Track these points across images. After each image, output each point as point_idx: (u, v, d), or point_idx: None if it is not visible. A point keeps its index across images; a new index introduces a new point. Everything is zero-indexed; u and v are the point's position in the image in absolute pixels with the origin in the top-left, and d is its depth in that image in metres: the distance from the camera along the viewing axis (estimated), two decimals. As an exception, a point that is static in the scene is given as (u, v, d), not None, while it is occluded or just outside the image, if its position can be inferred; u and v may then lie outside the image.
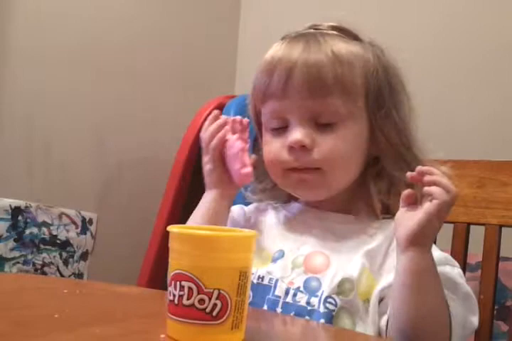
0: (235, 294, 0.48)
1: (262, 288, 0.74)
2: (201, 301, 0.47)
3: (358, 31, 0.81)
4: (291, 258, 0.76)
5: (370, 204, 0.78)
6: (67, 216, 1.46)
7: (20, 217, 1.34)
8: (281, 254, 0.77)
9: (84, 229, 1.49)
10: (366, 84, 0.77)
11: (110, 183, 1.59)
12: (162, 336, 0.48)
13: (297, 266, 0.75)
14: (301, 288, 0.73)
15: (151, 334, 0.50)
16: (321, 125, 0.76)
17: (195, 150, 1.46)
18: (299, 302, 0.72)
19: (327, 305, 0.71)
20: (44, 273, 1.38)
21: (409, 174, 0.67)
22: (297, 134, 0.75)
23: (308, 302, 0.72)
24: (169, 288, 0.49)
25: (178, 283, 0.48)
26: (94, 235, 1.52)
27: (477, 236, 0.95)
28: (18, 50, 1.38)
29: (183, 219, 0.85)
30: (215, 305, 0.47)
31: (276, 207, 0.86)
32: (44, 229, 1.39)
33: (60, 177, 1.46)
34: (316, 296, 0.72)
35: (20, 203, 1.35)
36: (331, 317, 0.70)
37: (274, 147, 0.78)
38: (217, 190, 0.82)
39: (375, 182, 0.78)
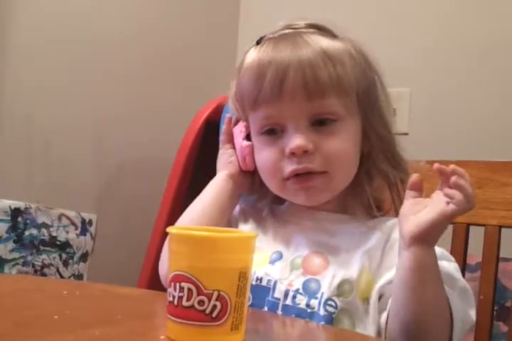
0: (235, 295, 0.48)
1: (260, 290, 0.74)
2: (201, 302, 0.47)
3: (337, 28, 0.79)
4: (289, 259, 0.76)
5: (365, 202, 0.78)
6: (67, 217, 1.45)
7: (19, 218, 1.34)
8: (279, 256, 0.77)
9: (84, 230, 1.49)
10: (356, 80, 0.76)
11: (110, 184, 1.59)
12: (162, 337, 0.48)
13: (295, 267, 0.75)
14: (301, 290, 0.72)
15: (150, 336, 0.50)
16: (320, 127, 0.74)
17: (195, 151, 1.46)
18: (298, 304, 0.72)
19: (327, 307, 0.70)
20: (44, 275, 1.38)
21: (437, 165, 0.64)
22: (298, 139, 0.72)
23: (308, 305, 0.71)
24: (169, 290, 0.49)
25: (177, 284, 0.47)
26: (94, 236, 1.52)
27: (477, 236, 0.95)
28: (18, 50, 1.38)
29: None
30: (214, 306, 0.47)
31: (272, 207, 0.85)
32: (44, 231, 1.39)
33: (59, 178, 1.46)
34: (316, 298, 0.71)
35: (20, 204, 1.35)
36: (331, 320, 0.70)
37: (269, 155, 0.76)
38: (223, 171, 0.83)
39: (368, 178, 0.78)
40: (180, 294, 0.47)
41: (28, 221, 1.36)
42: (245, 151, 0.81)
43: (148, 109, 1.67)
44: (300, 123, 0.74)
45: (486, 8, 1.49)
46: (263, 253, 0.77)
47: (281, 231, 0.80)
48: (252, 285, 0.73)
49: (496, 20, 1.47)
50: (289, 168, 0.74)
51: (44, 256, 1.39)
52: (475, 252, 0.96)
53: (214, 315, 0.47)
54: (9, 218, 1.32)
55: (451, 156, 1.06)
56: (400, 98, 1.54)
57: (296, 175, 0.74)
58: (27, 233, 1.36)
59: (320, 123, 0.74)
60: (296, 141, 0.72)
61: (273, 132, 0.76)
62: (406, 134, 1.52)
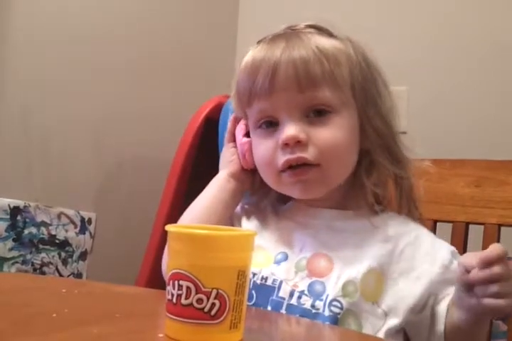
0: (234, 293, 0.48)
1: (265, 289, 0.74)
2: (199, 300, 0.47)
3: (335, 29, 0.80)
4: (295, 261, 0.76)
5: (366, 197, 0.78)
6: (66, 216, 1.45)
7: (19, 217, 1.34)
8: (285, 257, 0.76)
9: (83, 229, 1.49)
10: (352, 76, 0.76)
11: (109, 183, 1.58)
12: (160, 335, 0.48)
13: (300, 269, 0.75)
14: (306, 292, 0.72)
15: (149, 334, 0.50)
16: (313, 119, 0.74)
17: (194, 150, 1.46)
18: (303, 304, 0.72)
19: (332, 308, 0.70)
20: (43, 273, 1.38)
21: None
22: (290, 130, 0.73)
23: (313, 305, 0.71)
24: (167, 288, 0.49)
25: (176, 282, 0.48)
26: (93, 235, 1.52)
27: (476, 235, 0.95)
28: (17, 49, 1.37)
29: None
30: (213, 304, 0.47)
31: (275, 206, 0.85)
32: (43, 229, 1.39)
33: (58, 176, 1.46)
34: (321, 300, 0.71)
35: (19, 203, 1.35)
36: (336, 320, 0.70)
37: (265, 148, 0.76)
38: (224, 169, 0.84)
39: (367, 175, 0.78)
40: (179, 292, 0.47)
41: (27, 219, 1.36)
42: (244, 148, 0.81)
43: (147, 107, 1.67)
44: (293, 115, 0.74)
45: (485, 6, 1.49)
46: (267, 252, 0.78)
47: (285, 231, 0.80)
48: (256, 284, 0.73)
49: (494, 19, 1.47)
50: (282, 158, 0.74)
51: (43, 254, 1.39)
52: (474, 251, 0.96)
53: (213, 313, 0.47)
54: (8, 216, 1.32)
55: (450, 155, 1.06)
56: (398, 96, 1.54)
57: (291, 168, 0.74)
58: (26, 231, 1.36)
59: (314, 115, 0.74)
60: (288, 131, 0.73)
61: (269, 125, 0.77)
62: (404, 133, 1.52)
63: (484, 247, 0.92)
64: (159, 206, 1.48)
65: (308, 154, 0.73)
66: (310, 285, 0.73)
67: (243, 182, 0.83)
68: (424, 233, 0.80)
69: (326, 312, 0.70)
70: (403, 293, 0.72)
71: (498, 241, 0.92)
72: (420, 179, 0.81)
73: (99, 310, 0.58)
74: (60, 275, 1.43)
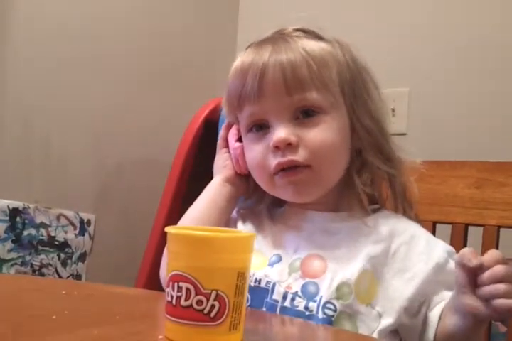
0: (233, 295, 0.48)
1: (259, 291, 0.74)
2: (199, 302, 0.47)
3: (323, 31, 0.80)
4: (288, 262, 0.76)
5: (359, 198, 0.78)
6: (66, 217, 1.45)
7: (18, 218, 1.34)
8: (278, 258, 0.77)
9: (82, 231, 1.49)
10: (340, 76, 0.77)
11: (108, 184, 1.59)
12: (160, 337, 0.48)
13: (294, 270, 0.75)
14: (299, 293, 0.72)
15: (149, 336, 0.50)
16: (303, 120, 0.75)
17: (194, 152, 1.46)
18: (297, 307, 0.71)
19: (326, 310, 0.70)
20: (42, 275, 1.38)
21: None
22: (281, 133, 0.73)
23: (306, 307, 0.71)
24: (167, 289, 0.49)
25: (175, 284, 0.47)
26: (93, 236, 1.52)
27: (475, 236, 0.95)
28: (17, 50, 1.37)
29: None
30: (213, 306, 0.47)
31: (270, 210, 0.85)
32: (42, 230, 1.39)
33: (58, 178, 1.46)
34: (315, 301, 0.71)
35: (19, 204, 1.35)
36: (330, 323, 0.70)
37: (257, 152, 0.77)
38: (219, 175, 0.84)
39: (359, 175, 0.78)
40: (179, 294, 0.47)
41: (26, 221, 1.36)
42: (237, 152, 0.82)
43: (147, 109, 1.67)
44: (282, 118, 0.74)
45: (486, 7, 1.49)
46: (262, 255, 0.78)
47: (279, 234, 0.80)
48: (250, 286, 0.73)
49: (496, 20, 1.47)
50: (274, 161, 0.74)
51: (42, 256, 1.39)
52: (473, 252, 0.96)
53: (212, 314, 0.47)
54: (7, 218, 1.32)
55: (450, 156, 1.06)
56: (399, 98, 1.54)
57: (283, 170, 0.74)
58: (25, 233, 1.36)
59: (303, 116, 0.75)
60: (278, 134, 0.73)
61: (260, 129, 0.77)
62: (404, 134, 1.53)
63: (484, 248, 0.92)
64: (158, 207, 1.48)
65: (299, 156, 0.73)
66: (303, 286, 0.73)
67: (238, 187, 0.84)
68: (420, 232, 0.79)
69: (320, 315, 0.70)
70: (397, 293, 0.72)
71: (498, 242, 0.92)
72: (412, 177, 0.81)
73: (98, 311, 0.58)
74: (60, 276, 1.43)
